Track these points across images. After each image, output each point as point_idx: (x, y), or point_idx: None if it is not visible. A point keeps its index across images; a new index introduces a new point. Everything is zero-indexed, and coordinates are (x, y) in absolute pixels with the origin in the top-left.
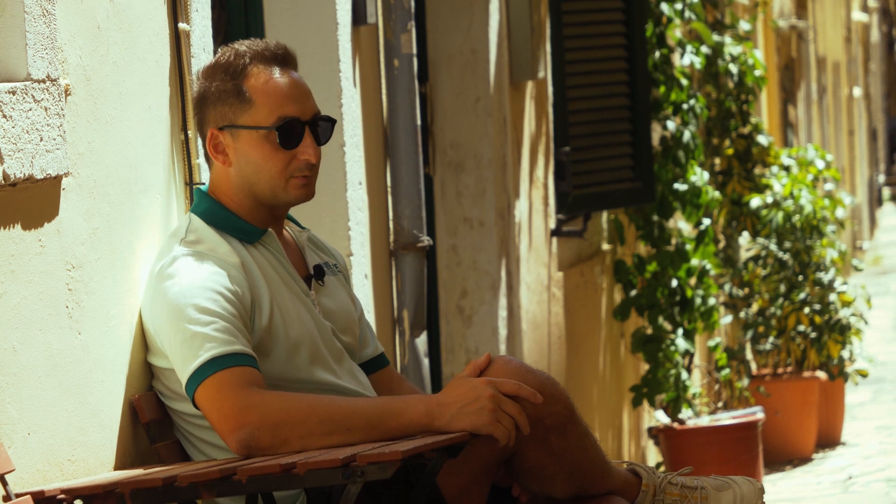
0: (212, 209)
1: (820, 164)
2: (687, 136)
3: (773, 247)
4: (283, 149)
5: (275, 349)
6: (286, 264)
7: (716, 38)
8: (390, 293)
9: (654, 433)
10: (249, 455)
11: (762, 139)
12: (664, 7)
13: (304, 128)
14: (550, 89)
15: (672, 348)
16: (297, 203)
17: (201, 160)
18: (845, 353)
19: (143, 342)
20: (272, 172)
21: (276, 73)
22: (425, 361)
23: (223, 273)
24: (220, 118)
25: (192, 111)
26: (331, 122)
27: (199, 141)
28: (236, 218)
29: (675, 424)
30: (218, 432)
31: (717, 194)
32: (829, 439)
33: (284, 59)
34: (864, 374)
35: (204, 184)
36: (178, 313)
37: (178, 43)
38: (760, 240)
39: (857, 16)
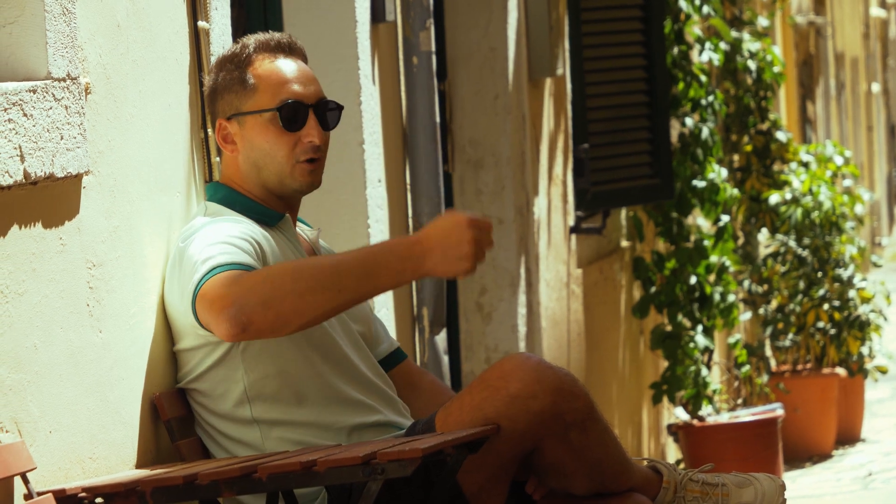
0: (229, 195)
1: (839, 161)
2: (705, 132)
3: (793, 243)
4: (287, 131)
5: None
6: (301, 251)
7: (734, 34)
8: (410, 291)
9: (674, 430)
10: (245, 334)
11: (781, 135)
12: (682, 3)
13: (308, 110)
14: (569, 86)
15: (691, 345)
16: (304, 190)
17: (220, 158)
18: (865, 350)
19: (165, 339)
20: (278, 157)
21: (280, 59)
22: (445, 359)
23: (242, 226)
24: (227, 107)
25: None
26: (338, 108)
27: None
28: (254, 202)
29: (695, 421)
30: (211, 327)
31: (735, 191)
32: (848, 436)
33: (289, 47)
34: (883, 371)
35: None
36: (190, 256)
37: (198, 41)
38: (779, 236)
39: (876, 11)
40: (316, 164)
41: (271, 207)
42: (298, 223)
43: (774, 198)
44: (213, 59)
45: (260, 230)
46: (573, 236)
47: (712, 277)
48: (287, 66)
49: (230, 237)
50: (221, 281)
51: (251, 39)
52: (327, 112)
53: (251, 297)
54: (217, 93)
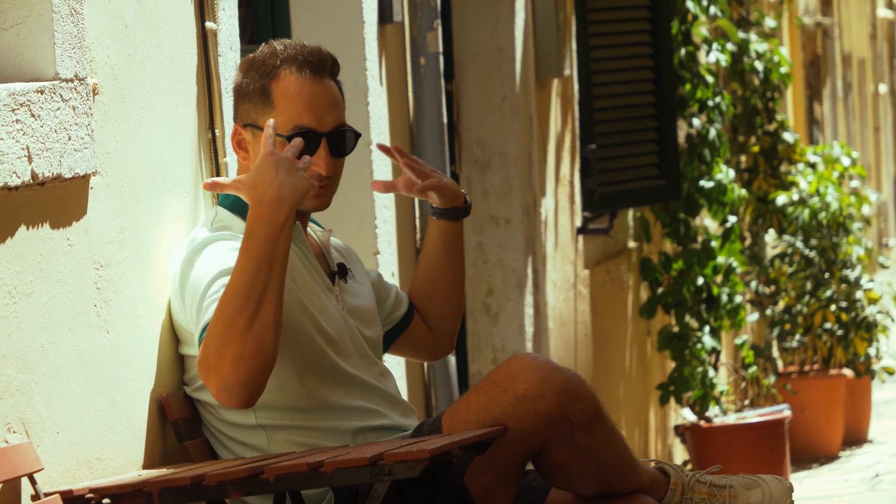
0: (238, 201)
1: (846, 161)
2: (713, 133)
3: (800, 244)
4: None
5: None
6: (311, 258)
7: (741, 35)
8: None
9: (681, 431)
10: (249, 392)
11: (788, 136)
12: (690, 4)
13: (321, 139)
14: (576, 87)
15: (699, 346)
16: (309, 211)
17: (228, 159)
18: (872, 351)
19: (172, 340)
20: None
21: (305, 79)
22: (452, 359)
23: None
24: (245, 115)
25: (218, 109)
26: (354, 134)
27: (227, 139)
28: None
29: (702, 422)
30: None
31: (743, 192)
32: (855, 437)
33: (318, 65)
34: (890, 372)
35: None
36: (199, 284)
37: (206, 42)
38: (787, 237)
39: (883, 12)
40: (323, 190)
41: None
42: (310, 223)
43: (782, 199)
44: (243, 57)
45: None
46: (580, 237)
47: (719, 278)
48: (308, 90)
49: (229, 257)
50: (202, 346)
51: (282, 46)
52: (344, 137)
53: (223, 370)
54: (240, 95)
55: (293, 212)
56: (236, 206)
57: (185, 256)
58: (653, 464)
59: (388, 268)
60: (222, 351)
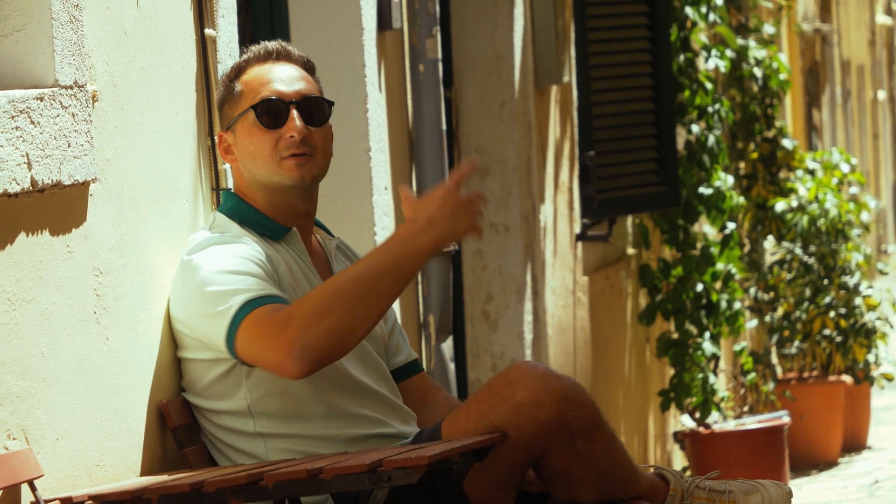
0: (236, 206)
1: (845, 168)
2: (711, 140)
3: (799, 251)
4: (267, 128)
5: None
6: (308, 265)
7: (740, 41)
8: (416, 298)
9: (680, 437)
10: (315, 368)
11: (787, 143)
12: (689, 11)
13: (289, 107)
14: (575, 94)
15: (698, 353)
16: (296, 183)
17: (227, 166)
18: (871, 357)
19: (171, 346)
20: (263, 155)
21: (268, 65)
22: (451, 366)
23: (249, 248)
24: (224, 119)
25: (217, 116)
26: (327, 103)
27: None
28: (260, 214)
29: (701, 429)
30: (272, 369)
31: (741, 198)
32: (854, 443)
33: (279, 53)
34: (889, 378)
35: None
36: (204, 282)
37: (205, 49)
38: (785, 244)
39: (882, 19)
40: (304, 158)
41: (278, 220)
42: (319, 230)
43: (780, 205)
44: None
45: (260, 248)
46: (579, 244)
47: (718, 285)
48: (271, 69)
49: (240, 263)
50: (268, 320)
51: (248, 52)
52: (313, 107)
53: (311, 333)
54: (219, 108)
55: (438, 248)
56: (234, 211)
57: (185, 257)
58: (652, 470)
59: None
60: (318, 317)
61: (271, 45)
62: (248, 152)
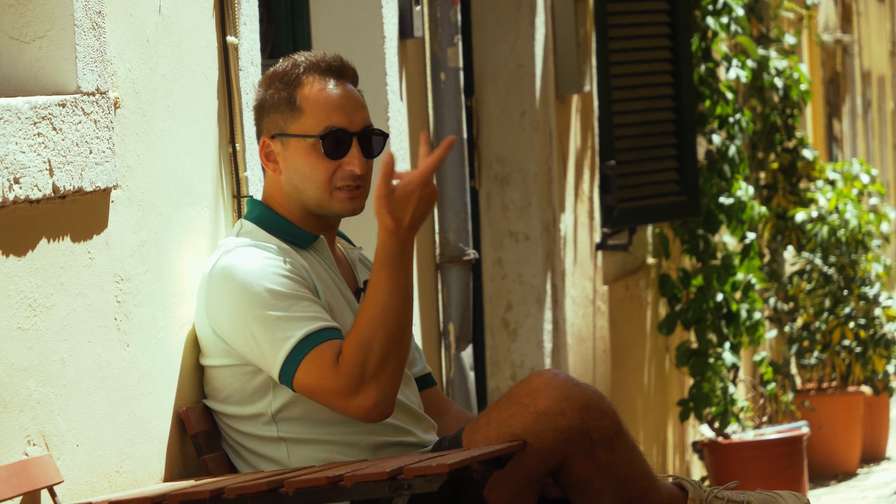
0: (264, 214)
1: (865, 179)
2: (732, 150)
3: (818, 261)
4: (329, 158)
5: None
6: (335, 273)
7: (761, 52)
8: (436, 306)
9: (699, 447)
10: (380, 412)
11: (807, 153)
12: (710, 21)
13: (352, 139)
14: (596, 103)
15: (718, 362)
16: (344, 215)
17: (249, 173)
18: (890, 368)
19: (192, 353)
20: (317, 182)
21: (330, 83)
22: (471, 375)
23: (281, 258)
24: (272, 126)
25: (238, 123)
26: (383, 136)
27: (248, 153)
28: (288, 223)
29: (720, 439)
30: (334, 407)
31: (762, 208)
32: (873, 454)
33: (340, 71)
34: None
35: (253, 196)
36: (252, 300)
37: (227, 56)
38: (805, 254)
39: None
40: (358, 192)
41: (306, 229)
42: (340, 240)
43: (801, 215)
44: (263, 73)
45: (294, 259)
46: (599, 253)
47: (738, 295)
48: (335, 92)
49: (286, 280)
50: (330, 363)
51: (302, 58)
52: (372, 139)
53: (388, 381)
54: (264, 109)
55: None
56: (262, 219)
57: (211, 269)
58: (671, 479)
59: None
60: (384, 364)
61: (330, 56)
62: (300, 172)
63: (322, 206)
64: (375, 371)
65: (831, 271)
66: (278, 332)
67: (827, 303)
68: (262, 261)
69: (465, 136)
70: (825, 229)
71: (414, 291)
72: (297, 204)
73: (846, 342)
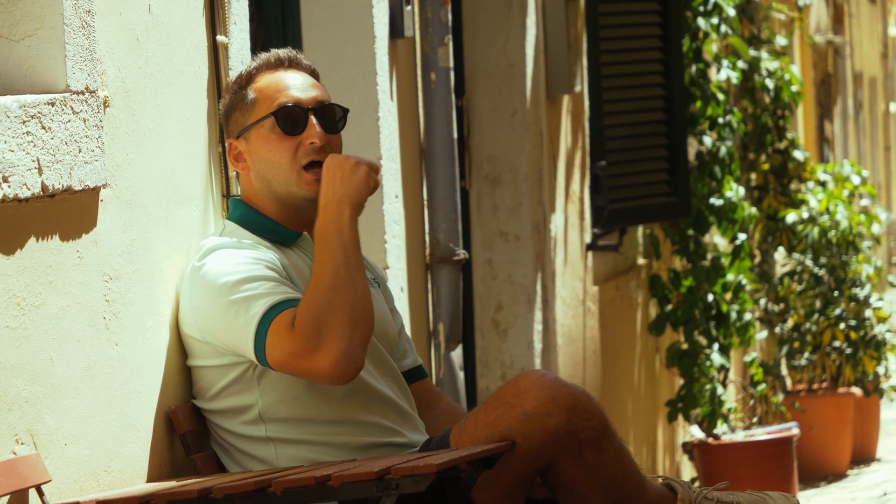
0: (246, 214)
1: (856, 180)
2: (723, 150)
3: (809, 262)
4: (287, 135)
5: None
6: None
7: (752, 53)
8: (426, 306)
9: (689, 448)
10: (347, 362)
11: (798, 154)
12: (701, 22)
13: (308, 114)
14: (587, 103)
15: (707, 363)
16: (312, 197)
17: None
18: (881, 369)
19: (180, 353)
20: (282, 165)
21: (279, 72)
22: (460, 375)
23: (260, 252)
24: (234, 127)
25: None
26: (342, 110)
27: None
28: (271, 221)
29: (710, 439)
30: (305, 374)
31: (753, 209)
32: (863, 455)
33: (290, 61)
34: None
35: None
36: (220, 290)
37: (217, 55)
38: (796, 255)
39: (894, 31)
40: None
41: (288, 226)
42: None
43: (791, 216)
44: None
45: (273, 254)
46: (590, 253)
47: (729, 296)
48: (285, 76)
49: (254, 268)
50: (288, 328)
51: (256, 60)
52: (333, 113)
53: (348, 331)
54: (227, 115)
55: (357, 209)
56: (244, 219)
57: (195, 263)
58: (660, 480)
59: (398, 283)
60: (334, 317)
61: (282, 52)
62: (264, 160)
63: (291, 192)
64: (332, 324)
65: (822, 272)
66: (245, 314)
67: (817, 304)
68: (236, 255)
69: (455, 136)
70: (816, 230)
71: (359, 246)
72: (270, 198)
73: (836, 343)
